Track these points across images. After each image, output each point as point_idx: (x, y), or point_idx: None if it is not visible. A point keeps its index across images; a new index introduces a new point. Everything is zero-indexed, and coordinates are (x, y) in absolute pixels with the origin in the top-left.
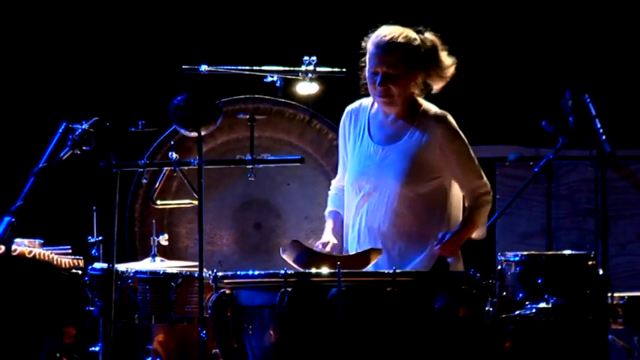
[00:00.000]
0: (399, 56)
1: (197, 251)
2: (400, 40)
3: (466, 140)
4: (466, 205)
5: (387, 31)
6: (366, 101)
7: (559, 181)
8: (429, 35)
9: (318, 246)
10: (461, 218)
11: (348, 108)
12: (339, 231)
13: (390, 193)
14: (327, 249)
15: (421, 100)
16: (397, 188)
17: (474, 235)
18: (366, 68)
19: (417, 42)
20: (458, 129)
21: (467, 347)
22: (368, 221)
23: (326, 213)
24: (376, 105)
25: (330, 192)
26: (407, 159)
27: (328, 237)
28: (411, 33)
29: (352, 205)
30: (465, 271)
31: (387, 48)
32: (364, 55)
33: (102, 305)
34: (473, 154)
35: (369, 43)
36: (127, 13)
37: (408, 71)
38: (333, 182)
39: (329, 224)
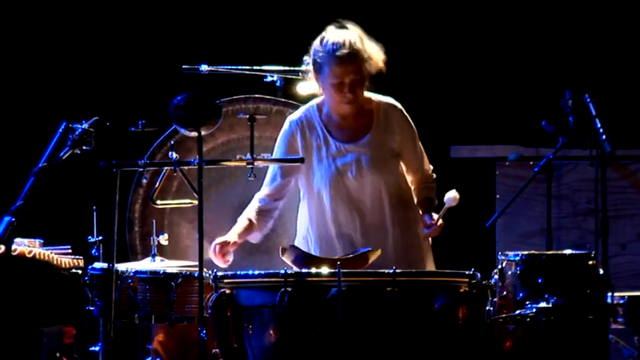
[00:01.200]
0: (360, 61)
1: (197, 251)
2: (356, 46)
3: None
4: (418, 186)
5: (339, 40)
6: (307, 109)
7: (559, 180)
8: (354, 28)
9: (214, 247)
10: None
11: (292, 118)
12: (245, 237)
13: (375, 186)
14: (228, 248)
15: (367, 93)
16: (381, 180)
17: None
18: (324, 80)
19: (360, 40)
20: (409, 117)
21: (467, 347)
22: (351, 218)
23: (242, 216)
24: (325, 109)
25: (253, 200)
26: (381, 150)
27: (230, 236)
28: (354, 35)
29: (327, 208)
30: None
31: (350, 57)
32: (313, 64)
33: (102, 305)
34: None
35: (325, 55)
36: (126, 13)
37: (365, 72)
38: (258, 193)
39: (239, 225)
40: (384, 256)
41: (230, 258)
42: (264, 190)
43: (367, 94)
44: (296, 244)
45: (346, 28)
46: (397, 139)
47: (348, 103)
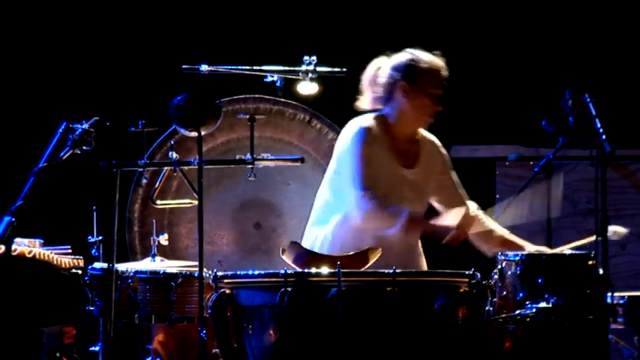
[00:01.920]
0: (444, 78)
1: (197, 251)
2: (442, 63)
3: None
4: (472, 218)
5: (439, 60)
6: (372, 119)
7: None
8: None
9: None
10: None
11: (364, 125)
12: None
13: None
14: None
15: None
16: (421, 207)
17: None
18: (422, 89)
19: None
20: None
21: (467, 347)
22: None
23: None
24: (387, 127)
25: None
26: (425, 180)
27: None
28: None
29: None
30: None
31: (439, 72)
32: (408, 73)
33: (102, 305)
34: None
35: (432, 65)
36: (126, 13)
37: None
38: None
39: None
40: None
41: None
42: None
43: None
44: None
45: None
46: (435, 175)
47: (431, 117)
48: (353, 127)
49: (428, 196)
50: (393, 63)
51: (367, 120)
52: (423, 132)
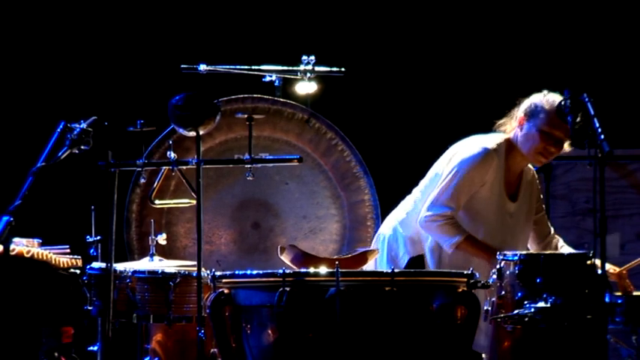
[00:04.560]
0: (570, 130)
1: (195, 251)
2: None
3: None
4: (538, 246)
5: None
6: (499, 144)
7: (558, 180)
8: None
9: None
10: None
11: (491, 147)
12: None
13: (516, 242)
14: None
15: None
16: (520, 240)
17: None
18: (537, 127)
19: None
20: None
21: (465, 347)
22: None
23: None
24: (504, 155)
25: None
26: (529, 220)
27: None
28: None
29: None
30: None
31: (567, 119)
32: (529, 108)
33: (100, 305)
34: None
35: (550, 102)
36: (125, 13)
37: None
38: (450, 211)
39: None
40: None
41: None
42: (455, 206)
43: None
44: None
45: None
46: (535, 203)
47: (543, 157)
48: (478, 144)
49: (529, 229)
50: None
51: (493, 141)
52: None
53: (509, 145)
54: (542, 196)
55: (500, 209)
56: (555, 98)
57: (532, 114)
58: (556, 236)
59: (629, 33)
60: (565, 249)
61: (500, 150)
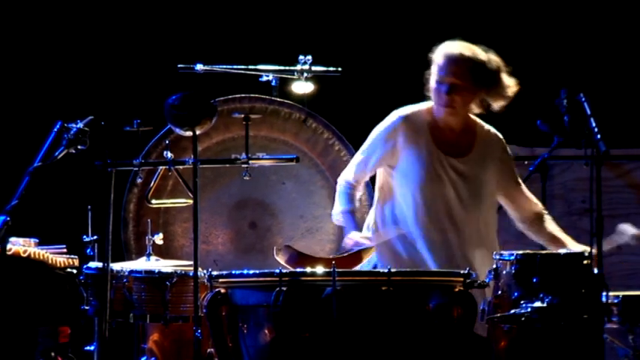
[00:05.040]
0: (467, 69)
1: (192, 250)
2: (469, 54)
3: None
4: (523, 225)
5: (457, 46)
6: (419, 109)
7: (554, 180)
8: (493, 56)
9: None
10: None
11: (401, 113)
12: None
13: (471, 203)
14: (367, 241)
15: (473, 117)
16: (473, 199)
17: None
18: (433, 78)
19: (484, 59)
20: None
21: (462, 347)
22: (440, 226)
23: (345, 209)
24: (433, 116)
25: (340, 187)
26: (481, 172)
27: (360, 233)
28: (478, 50)
29: (416, 212)
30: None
31: (456, 60)
32: (428, 65)
33: (97, 304)
34: None
35: (438, 55)
36: (122, 13)
37: (472, 85)
38: (346, 176)
39: (352, 219)
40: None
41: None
42: (351, 174)
43: (474, 118)
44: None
45: (486, 50)
46: (496, 168)
47: (443, 105)
48: (392, 113)
49: (486, 187)
50: None
51: (412, 108)
52: (485, 126)
53: (431, 109)
54: (514, 169)
55: (434, 166)
56: (444, 47)
57: (432, 69)
58: (546, 218)
59: (625, 33)
60: (557, 232)
61: (421, 114)
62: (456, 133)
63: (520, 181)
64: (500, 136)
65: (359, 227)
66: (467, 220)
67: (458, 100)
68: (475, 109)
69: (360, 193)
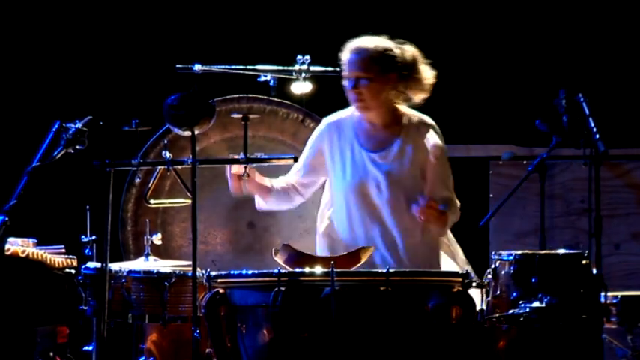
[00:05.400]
0: (369, 60)
1: (191, 250)
2: (369, 45)
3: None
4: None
5: (360, 40)
6: (345, 113)
7: (553, 180)
8: (408, 47)
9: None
10: None
11: (328, 120)
12: (258, 182)
13: (395, 198)
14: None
15: (404, 109)
16: (400, 193)
17: (435, 229)
18: (343, 79)
19: (390, 49)
20: (442, 138)
21: (460, 347)
22: (369, 222)
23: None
24: (356, 117)
25: (282, 178)
26: (404, 164)
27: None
28: (383, 41)
29: (346, 210)
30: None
31: (356, 52)
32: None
33: (95, 304)
34: (449, 169)
35: (344, 53)
36: (120, 13)
37: (378, 75)
38: (286, 176)
39: (265, 178)
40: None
41: (245, 189)
42: (290, 177)
43: (404, 109)
44: (318, 238)
45: (400, 45)
46: (423, 156)
47: (352, 100)
48: (322, 121)
49: (410, 178)
50: None
51: (337, 115)
52: (415, 117)
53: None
54: (435, 161)
55: (359, 160)
56: (349, 44)
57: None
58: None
59: (623, 33)
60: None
61: (346, 117)
62: (378, 129)
63: (447, 175)
64: (431, 122)
65: (261, 178)
66: (393, 214)
67: (365, 93)
68: (396, 101)
69: (299, 197)
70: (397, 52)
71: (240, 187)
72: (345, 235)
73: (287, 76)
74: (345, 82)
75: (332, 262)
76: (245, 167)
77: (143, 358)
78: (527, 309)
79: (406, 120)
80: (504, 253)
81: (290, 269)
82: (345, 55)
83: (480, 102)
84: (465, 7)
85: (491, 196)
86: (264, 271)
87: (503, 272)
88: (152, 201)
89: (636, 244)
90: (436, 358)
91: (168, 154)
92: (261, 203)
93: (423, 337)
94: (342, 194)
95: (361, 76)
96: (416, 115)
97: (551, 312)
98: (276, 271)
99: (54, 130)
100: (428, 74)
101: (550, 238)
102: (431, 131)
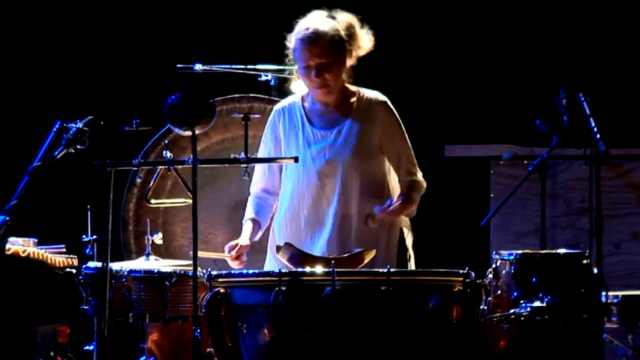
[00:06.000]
0: (327, 44)
1: (191, 250)
2: (324, 29)
3: (403, 127)
4: (400, 184)
5: (307, 24)
6: (293, 98)
7: (553, 179)
8: (343, 16)
9: (225, 249)
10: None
11: (276, 107)
12: (253, 238)
13: (345, 174)
14: (233, 252)
15: (352, 87)
16: (352, 169)
17: (405, 213)
18: (297, 65)
19: (338, 29)
20: (396, 113)
21: (461, 346)
22: (319, 203)
23: (246, 218)
24: (309, 98)
25: (250, 198)
26: (355, 139)
27: (242, 240)
28: (328, 20)
29: (299, 191)
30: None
31: (313, 39)
32: (289, 53)
33: (96, 304)
34: (409, 142)
35: (293, 40)
36: (121, 12)
37: (338, 57)
38: (253, 189)
39: (247, 228)
40: (345, 247)
41: (245, 259)
42: (258, 186)
43: (355, 88)
44: (274, 227)
45: (332, 17)
46: (377, 131)
47: (317, 87)
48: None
49: (362, 155)
50: None
51: (286, 101)
52: (367, 93)
53: (305, 93)
54: (398, 131)
55: (307, 139)
56: (295, 30)
57: (293, 58)
58: (408, 182)
59: (624, 32)
60: (405, 189)
61: (295, 102)
62: (331, 109)
63: (409, 145)
64: (383, 98)
65: (249, 236)
66: (344, 194)
67: (330, 78)
68: (346, 78)
69: (274, 204)
70: (342, 29)
71: (241, 262)
72: (295, 220)
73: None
74: (301, 69)
75: (333, 262)
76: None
77: (144, 357)
78: (528, 309)
79: (356, 97)
80: (505, 252)
81: (291, 269)
82: (297, 43)
83: (480, 102)
84: (465, 7)
85: (491, 195)
86: (265, 270)
87: (504, 272)
88: (153, 201)
89: (637, 243)
90: (437, 358)
91: (169, 154)
92: (257, 236)
93: (424, 337)
94: (295, 177)
95: (323, 62)
96: (366, 92)
97: (552, 312)
98: (276, 270)
99: (55, 129)
100: (365, 37)
101: (551, 237)
102: (384, 106)
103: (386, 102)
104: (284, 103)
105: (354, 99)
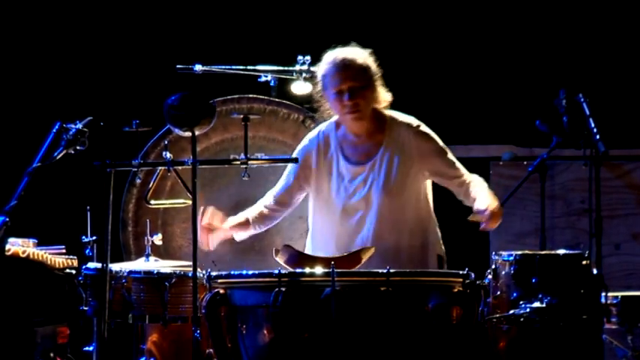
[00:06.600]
0: (359, 69)
1: (191, 251)
2: (353, 55)
3: (440, 140)
4: (460, 194)
5: (337, 52)
6: (326, 127)
7: (553, 180)
8: (358, 49)
9: (202, 216)
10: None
11: (311, 136)
12: (234, 230)
13: (382, 210)
14: (205, 218)
15: (385, 111)
16: (389, 203)
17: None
18: (328, 92)
19: (366, 54)
20: (429, 130)
21: (460, 347)
22: (360, 237)
23: (243, 213)
24: (341, 127)
25: (261, 200)
26: (385, 177)
27: (224, 223)
28: (357, 49)
29: (336, 226)
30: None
31: (345, 64)
32: (319, 83)
33: (96, 305)
34: (450, 156)
35: (324, 68)
36: (121, 13)
37: (369, 82)
38: (269, 193)
39: (237, 219)
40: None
41: (213, 245)
42: (272, 193)
43: (388, 112)
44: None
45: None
46: (413, 161)
47: (349, 113)
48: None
49: (401, 182)
50: None
51: (318, 129)
52: (399, 118)
53: (338, 121)
54: (438, 150)
55: (339, 175)
56: (326, 58)
57: (322, 86)
58: (469, 181)
59: (624, 33)
60: (477, 191)
61: (326, 130)
62: (363, 139)
63: (451, 158)
64: (416, 124)
65: (232, 224)
66: (379, 225)
67: (362, 103)
68: (378, 103)
69: (282, 213)
70: (366, 56)
71: (208, 241)
72: (329, 247)
73: (287, 77)
74: (333, 95)
75: (332, 263)
76: (203, 209)
77: (144, 358)
78: (528, 309)
79: (390, 123)
80: (505, 253)
81: (290, 269)
82: (329, 69)
83: (480, 102)
84: (466, 8)
85: None
86: (265, 271)
87: (503, 273)
88: (152, 201)
89: (636, 244)
90: (436, 359)
91: (168, 155)
92: (241, 235)
93: (424, 338)
94: (330, 210)
95: (356, 85)
96: (397, 118)
97: (552, 312)
98: (276, 271)
99: (54, 130)
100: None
101: (550, 238)
102: (415, 132)
103: (419, 128)
104: (318, 130)
105: (385, 127)
